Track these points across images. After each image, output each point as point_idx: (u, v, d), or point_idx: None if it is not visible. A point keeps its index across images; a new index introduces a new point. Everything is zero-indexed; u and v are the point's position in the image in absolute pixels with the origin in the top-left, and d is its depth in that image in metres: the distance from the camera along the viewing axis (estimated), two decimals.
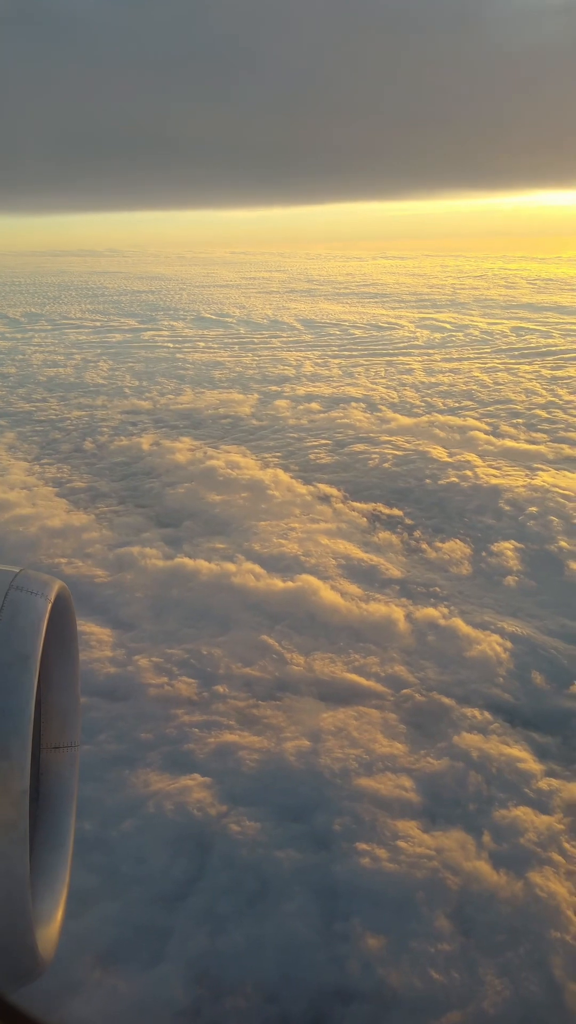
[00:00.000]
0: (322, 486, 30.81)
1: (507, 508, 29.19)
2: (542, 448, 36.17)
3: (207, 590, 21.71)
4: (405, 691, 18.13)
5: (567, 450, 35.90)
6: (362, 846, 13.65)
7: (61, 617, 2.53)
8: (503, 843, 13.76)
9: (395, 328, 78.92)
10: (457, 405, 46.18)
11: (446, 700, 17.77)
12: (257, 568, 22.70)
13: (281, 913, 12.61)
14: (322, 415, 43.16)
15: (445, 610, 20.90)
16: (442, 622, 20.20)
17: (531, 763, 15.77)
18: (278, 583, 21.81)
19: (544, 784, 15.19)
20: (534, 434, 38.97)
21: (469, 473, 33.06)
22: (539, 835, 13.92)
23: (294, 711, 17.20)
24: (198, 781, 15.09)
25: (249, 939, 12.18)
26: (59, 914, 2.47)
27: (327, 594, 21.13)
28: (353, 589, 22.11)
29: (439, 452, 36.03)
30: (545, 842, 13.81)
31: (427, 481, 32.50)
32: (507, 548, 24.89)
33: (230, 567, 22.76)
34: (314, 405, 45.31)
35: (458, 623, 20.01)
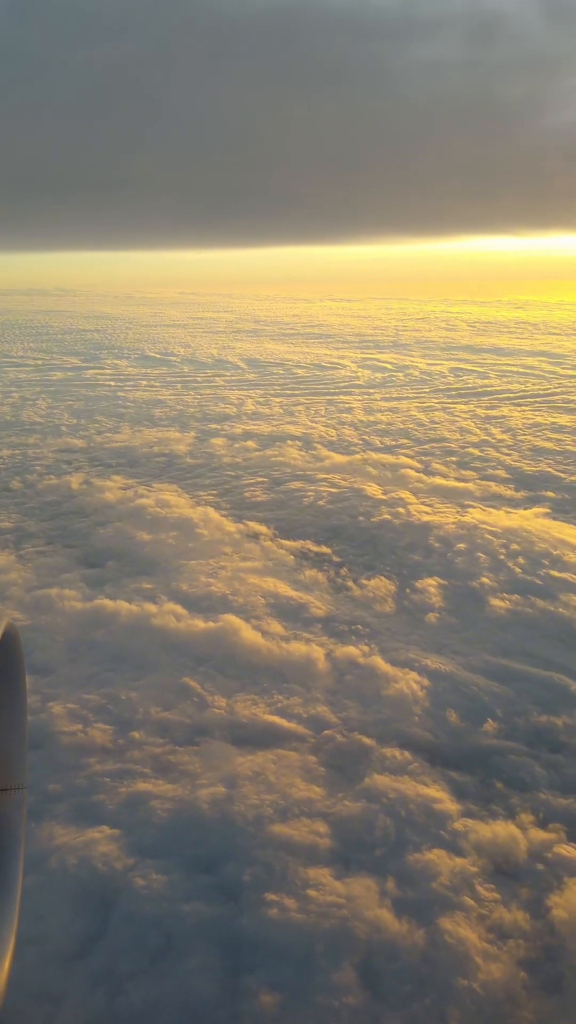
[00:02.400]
0: (252, 524, 30.74)
1: (436, 545, 29.44)
2: (470, 486, 36.78)
3: (127, 632, 21.29)
4: (327, 732, 17.90)
5: (494, 487, 36.57)
6: (271, 896, 13.29)
7: (7, 656, 2.47)
8: (414, 889, 13.53)
9: (338, 368, 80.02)
10: (394, 443, 46.77)
11: (367, 740, 17.58)
12: (179, 609, 22.38)
13: (183, 970, 12.14)
14: (257, 453, 43.31)
15: (366, 648, 20.83)
16: (361, 660, 20.11)
17: (448, 803, 15.64)
18: (199, 624, 21.51)
19: (460, 825, 15.05)
20: (464, 472, 39.63)
21: (402, 510, 33.31)
22: (452, 879, 13.73)
23: (211, 756, 16.81)
24: (106, 833, 14.58)
25: (148, 1000, 11.68)
26: (7, 961, 2.41)
27: (248, 634, 20.90)
28: (277, 628, 21.91)
29: (374, 490, 36.30)
30: (457, 886, 13.63)
31: (360, 519, 32.64)
32: (431, 585, 25.04)
33: (151, 608, 22.40)
34: (250, 443, 45.47)
35: (377, 661, 19.95)
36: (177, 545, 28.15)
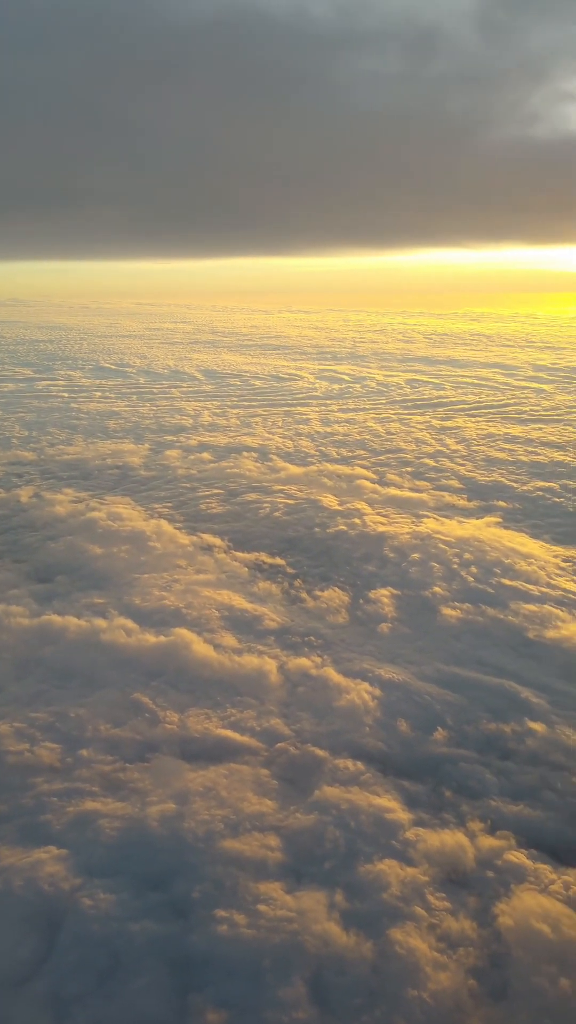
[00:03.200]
0: (206, 536, 30.63)
1: (391, 555, 29.61)
2: (424, 496, 37.16)
3: (76, 648, 20.99)
4: (280, 745, 17.85)
5: (447, 497, 37.00)
6: (221, 913, 13.17)
7: None
8: (365, 900, 13.53)
9: (295, 379, 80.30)
10: (350, 454, 47.05)
11: (320, 752, 17.56)
12: (129, 623, 22.15)
13: (130, 990, 11.97)
14: (212, 465, 43.21)
15: (318, 659, 20.85)
16: (314, 672, 20.11)
17: (399, 813, 15.68)
18: (150, 638, 21.31)
19: (411, 834, 15.10)
20: (418, 482, 40.03)
21: (358, 521, 33.46)
22: (402, 889, 13.75)
23: (162, 773, 16.63)
24: (53, 854, 14.31)
25: (94, 1022, 11.47)
26: None
27: (200, 648, 20.76)
28: (231, 641, 21.83)
29: (330, 501, 36.42)
30: (408, 896, 13.65)
31: (316, 530, 32.70)
32: (384, 595, 25.18)
33: (101, 623, 22.14)
34: (205, 455, 45.36)
35: (330, 672, 19.97)
36: (129, 559, 27.89)
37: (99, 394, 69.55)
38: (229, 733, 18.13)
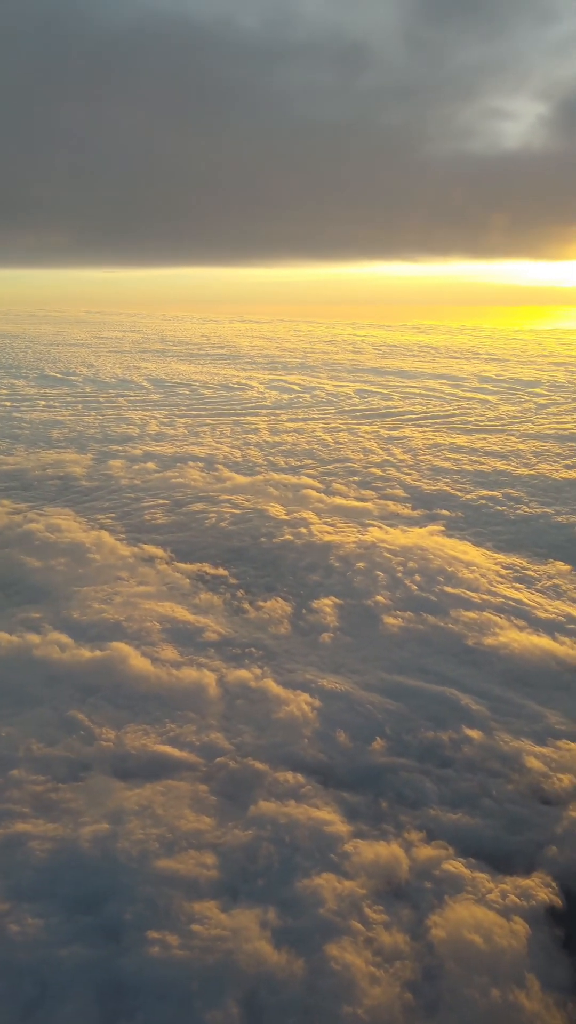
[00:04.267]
0: (148, 547, 30.21)
1: (337, 564, 29.59)
2: (369, 505, 37.32)
3: (6, 665, 20.41)
4: (219, 759, 17.58)
5: (392, 506, 37.21)
6: (153, 934, 12.85)
7: None
8: (302, 916, 13.33)
9: (245, 389, 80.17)
10: (298, 464, 47.04)
11: (260, 765, 17.33)
12: (64, 638, 21.65)
13: (57, 1020, 11.56)
14: (157, 475, 42.78)
15: (258, 671, 20.65)
16: (253, 684, 19.91)
17: (339, 825, 15.54)
18: (85, 653, 20.86)
19: (350, 847, 14.96)
20: (365, 491, 40.18)
21: (304, 531, 33.39)
22: (339, 903, 13.59)
23: (95, 792, 16.20)
24: None
25: None
26: None
27: (137, 662, 20.39)
28: (171, 654, 21.50)
29: (276, 510, 36.29)
30: (345, 910, 13.50)
31: (262, 539, 32.53)
32: (327, 605, 25.11)
33: (34, 639, 21.60)
34: (150, 464, 44.90)
35: (269, 684, 19.79)
36: (68, 572, 27.32)
37: (43, 403, 68.39)
38: (167, 749, 17.80)
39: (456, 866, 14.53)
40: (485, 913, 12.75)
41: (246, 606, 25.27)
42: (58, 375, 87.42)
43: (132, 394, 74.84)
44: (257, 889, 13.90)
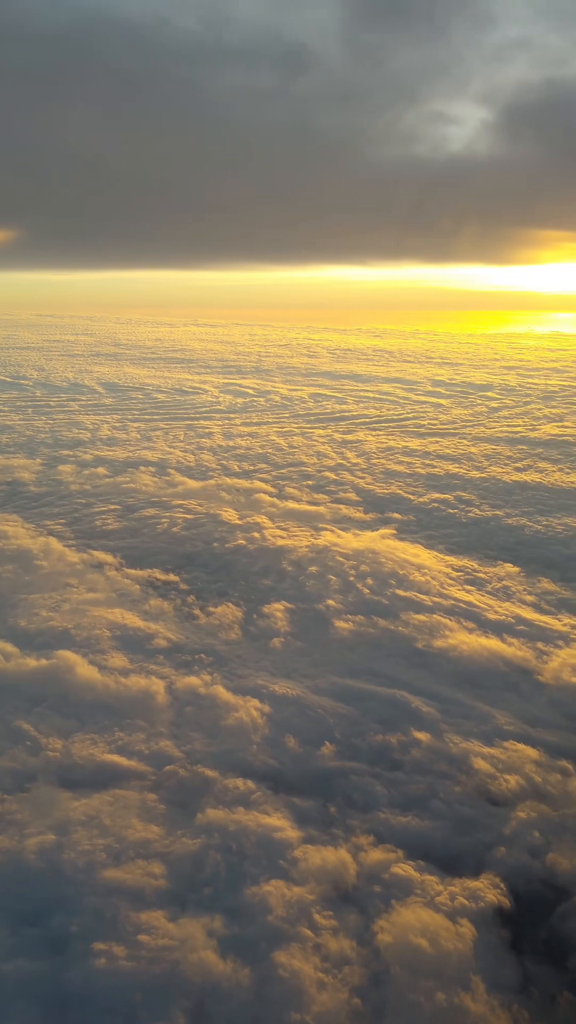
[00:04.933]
0: (97, 553, 29.84)
1: (289, 569, 29.58)
2: (322, 509, 37.43)
3: None
4: (168, 768, 17.38)
5: (344, 510, 37.37)
6: (99, 946, 12.64)
7: None
8: (251, 923, 13.24)
9: (199, 393, 79.87)
10: (252, 468, 46.97)
11: (210, 773, 17.19)
12: (9, 647, 21.23)
13: None
14: (108, 480, 42.33)
15: (207, 678, 20.50)
16: (202, 691, 19.75)
17: (289, 831, 15.47)
18: (31, 662, 20.48)
19: (300, 853, 14.90)
20: (317, 495, 40.30)
21: (257, 535, 33.32)
22: (288, 909, 13.53)
23: (41, 803, 15.89)
24: None
25: None
26: None
27: (84, 670, 20.08)
28: (120, 662, 21.23)
29: (230, 515, 36.16)
30: (294, 916, 13.44)
31: (215, 544, 32.36)
32: (278, 610, 25.07)
33: None
34: (101, 470, 44.42)
35: (219, 691, 19.66)
36: (14, 579, 26.80)
37: None
38: (115, 758, 17.54)
39: (405, 869, 14.57)
40: (432, 916, 12.80)
41: (197, 612, 25.10)
42: (7, 379, 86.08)
43: (84, 398, 74.02)
44: (205, 898, 13.77)
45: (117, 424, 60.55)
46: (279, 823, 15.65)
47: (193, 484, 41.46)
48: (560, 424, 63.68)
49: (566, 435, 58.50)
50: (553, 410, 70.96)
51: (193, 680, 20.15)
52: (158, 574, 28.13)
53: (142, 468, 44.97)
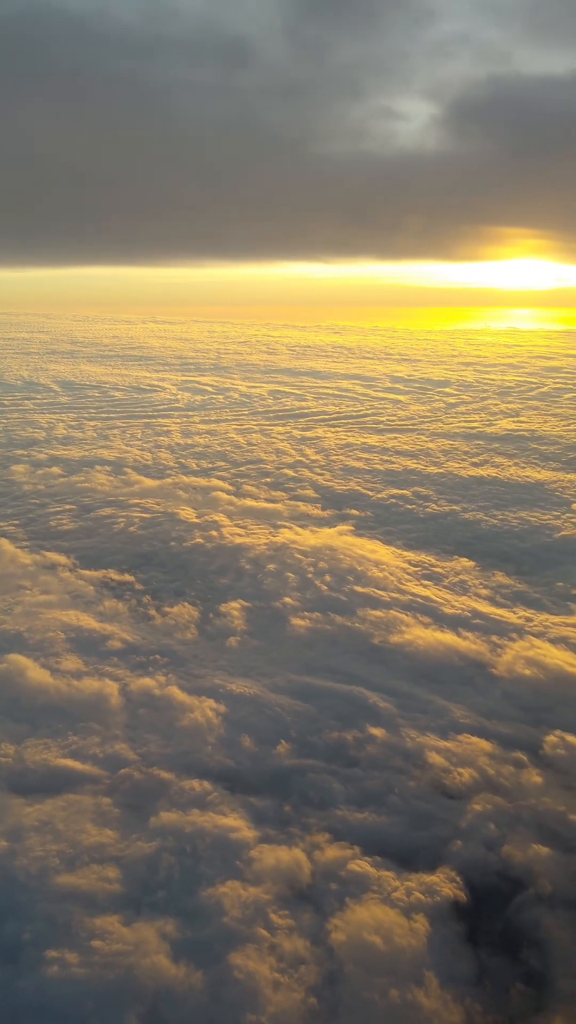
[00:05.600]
0: (50, 555, 29.39)
1: (247, 567, 29.46)
2: (280, 506, 37.36)
3: None
4: (123, 771, 17.17)
5: (302, 507, 37.36)
6: (52, 953, 12.42)
7: None
8: (206, 925, 13.13)
9: (157, 390, 79.25)
10: (210, 466, 46.72)
11: (165, 775, 17.02)
12: None
13: None
14: (63, 479, 41.75)
15: (162, 679, 20.29)
16: (157, 692, 19.55)
17: (245, 831, 15.37)
18: None
19: (256, 853, 14.81)
20: (275, 492, 40.22)
21: (215, 533, 33.13)
22: (244, 910, 13.44)
23: None
24: None
25: None
26: None
27: (36, 673, 19.74)
28: (74, 664, 20.92)
29: (188, 514, 35.92)
30: (250, 917, 13.35)
31: (172, 544, 32.11)
32: (234, 608, 24.94)
33: None
34: (55, 469, 43.78)
35: (174, 691, 19.48)
36: None
37: None
38: (69, 762, 17.27)
39: (362, 866, 14.56)
40: (386, 913, 12.80)
41: (152, 612, 24.84)
42: None
43: (39, 397, 72.95)
44: (160, 901, 13.62)
45: (73, 423, 59.79)
46: (235, 823, 15.55)
47: (150, 483, 41.10)
48: (516, 419, 64.52)
49: (521, 430, 59.29)
50: (509, 405, 71.87)
51: (148, 681, 19.94)
52: (113, 575, 27.80)
53: (98, 467, 44.45)
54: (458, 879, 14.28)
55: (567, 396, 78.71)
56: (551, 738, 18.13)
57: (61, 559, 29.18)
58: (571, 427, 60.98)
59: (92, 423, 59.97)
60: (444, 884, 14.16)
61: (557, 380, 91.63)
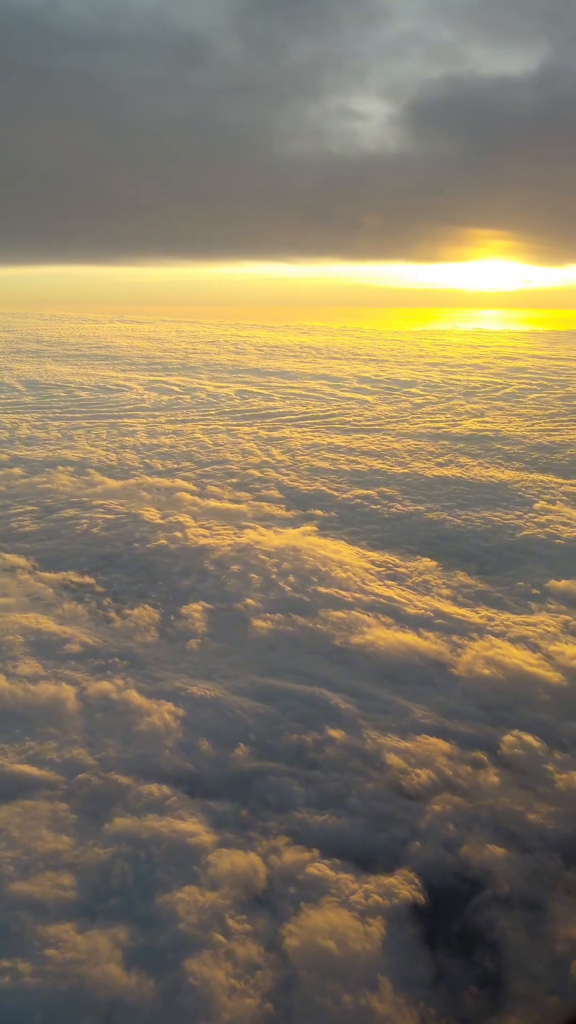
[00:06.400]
0: (9, 557, 28.96)
1: (211, 568, 29.29)
2: (243, 507, 37.24)
3: None
4: (81, 776, 16.91)
5: (267, 507, 37.27)
6: (3, 963, 12.18)
7: None
8: (162, 932, 12.97)
9: (124, 390, 78.65)
10: (176, 466, 46.45)
11: (124, 780, 16.81)
12: None
13: None
14: (24, 480, 41.19)
15: (120, 682, 20.06)
16: (115, 696, 19.32)
17: (204, 836, 15.22)
18: None
19: (214, 857, 14.66)
20: (239, 493, 40.07)
21: (179, 535, 32.91)
22: (201, 916, 13.30)
23: None
24: None
25: None
26: None
27: None
28: (30, 668, 20.58)
29: (152, 514, 35.64)
30: (207, 923, 13.22)
31: (136, 545, 31.83)
32: (196, 610, 24.75)
33: None
34: (16, 470, 43.18)
35: (132, 695, 19.26)
36: None
37: None
38: (25, 768, 16.99)
39: (321, 868, 14.48)
40: (341, 917, 12.75)
41: (112, 615, 24.55)
42: None
43: (2, 396, 72.06)
44: (115, 907, 13.43)
45: (37, 423, 59.07)
46: (194, 828, 15.40)
47: (113, 484, 40.72)
48: (481, 419, 65.08)
49: (486, 430, 59.79)
50: (474, 406, 72.47)
51: (105, 685, 19.69)
52: (73, 577, 27.44)
53: (61, 468, 43.90)
54: (417, 880, 14.25)
55: (531, 396, 79.61)
56: (509, 738, 18.23)
57: (20, 561, 28.77)
58: (534, 427, 61.67)
59: (56, 423, 59.31)
60: (402, 886, 14.13)
61: (522, 381, 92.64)
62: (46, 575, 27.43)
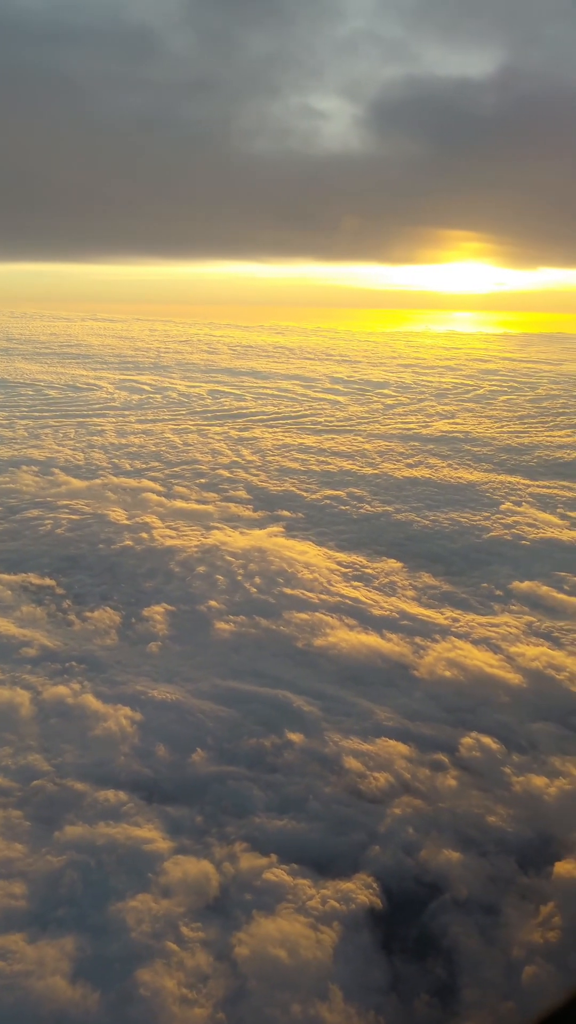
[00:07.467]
0: None
1: (177, 569, 29.01)
2: (211, 508, 36.98)
3: None
4: (36, 782, 16.59)
5: (234, 508, 37.03)
6: None
7: None
8: (114, 941, 12.72)
9: (94, 389, 77.88)
10: (144, 466, 46.02)
11: (80, 786, 16.52)
12: None
13: None
14: None
15: (77, 687, 19.74)
16: (71, 700, 18.99)
17: (160, 843, 14.99)
18: None
19: (170, 864, 14.44)
20: (207, 494, 39.77)
21: (145, 535, 32.57)
22: (154, 924, 13.08)
23: None
24: None
25: None
26: None
27: None
28: None
29: (118, 515, 35.25)
30: (160, 931, 13.00)
31: (100, 546, 31.44)
32: (158, 612, 24.46)
33: None
34: None
35: (88, 699, 18.95)
36: None
37: None
38: None
39: (278, 874, 14.32)
40: (293, 924, 12.59)
41: (72, 617, 24.18)
42: None
43: None
44: (67, 917, 13.16)
45: (3, 422, 58.24)
46: (150, 834, 15.16)
47: (78, 484, 40.22)
48: (451, 421, 65.34)
49: (456, 432, 60.02)
50: (445, 407, 72.76)
51: (61, 689, 19.35)
52: (33, 579, 26.98)
53: (25, 467, 43.27)
54: (375, 885, 14.15)
55: (502, 399, 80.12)
56: (467, 740, 18.20)
57: None
58: (504, 429, 62.05)
59: (24, 422, 58.54)
60: (360, 891, 14.01)
61: (493, 383, 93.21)
62: (5, 577, 26.95)
